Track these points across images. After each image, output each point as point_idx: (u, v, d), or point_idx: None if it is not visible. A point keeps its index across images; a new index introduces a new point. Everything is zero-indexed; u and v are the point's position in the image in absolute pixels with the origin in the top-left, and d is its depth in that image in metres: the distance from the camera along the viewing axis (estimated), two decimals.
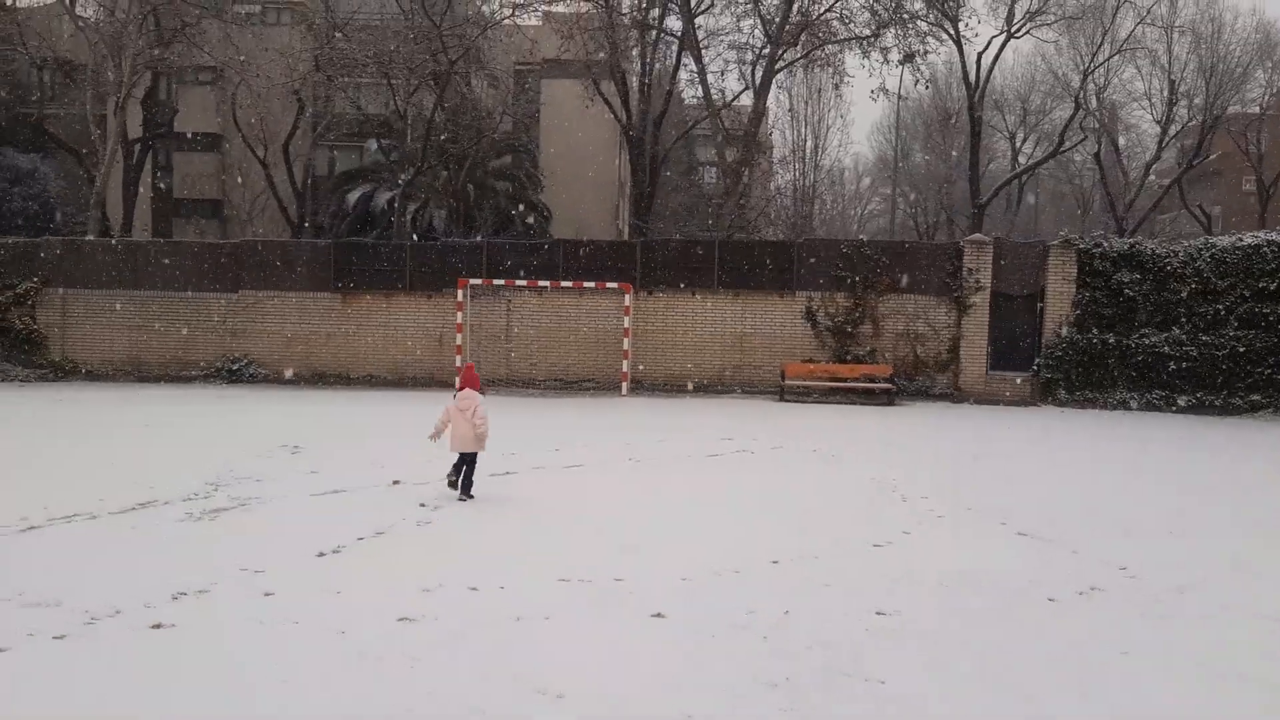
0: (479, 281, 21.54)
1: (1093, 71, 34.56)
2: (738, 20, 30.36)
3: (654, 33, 28.93)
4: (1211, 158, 40.05)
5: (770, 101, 31.62)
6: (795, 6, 26.32)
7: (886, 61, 26.84)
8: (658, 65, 31.19)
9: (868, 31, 26.64)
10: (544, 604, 6.06)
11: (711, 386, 21.55)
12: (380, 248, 22.95)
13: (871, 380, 20.46)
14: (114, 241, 24.10)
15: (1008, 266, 20.76)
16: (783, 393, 20.51)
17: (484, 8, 27.84)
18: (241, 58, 27.97)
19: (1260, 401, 19.18)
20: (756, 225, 34.11)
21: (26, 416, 16.01)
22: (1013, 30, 32.96)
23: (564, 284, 21.53)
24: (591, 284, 21.46)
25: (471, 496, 9.29)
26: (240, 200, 35.58)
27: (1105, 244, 20.36)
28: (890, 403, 19.91)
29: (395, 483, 10.03)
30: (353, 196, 32.08)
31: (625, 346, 21.14)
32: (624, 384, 21.04)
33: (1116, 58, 34.69)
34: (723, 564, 7.06)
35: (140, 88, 29.05)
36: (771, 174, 41.49)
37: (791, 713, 4.57)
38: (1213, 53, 34.72)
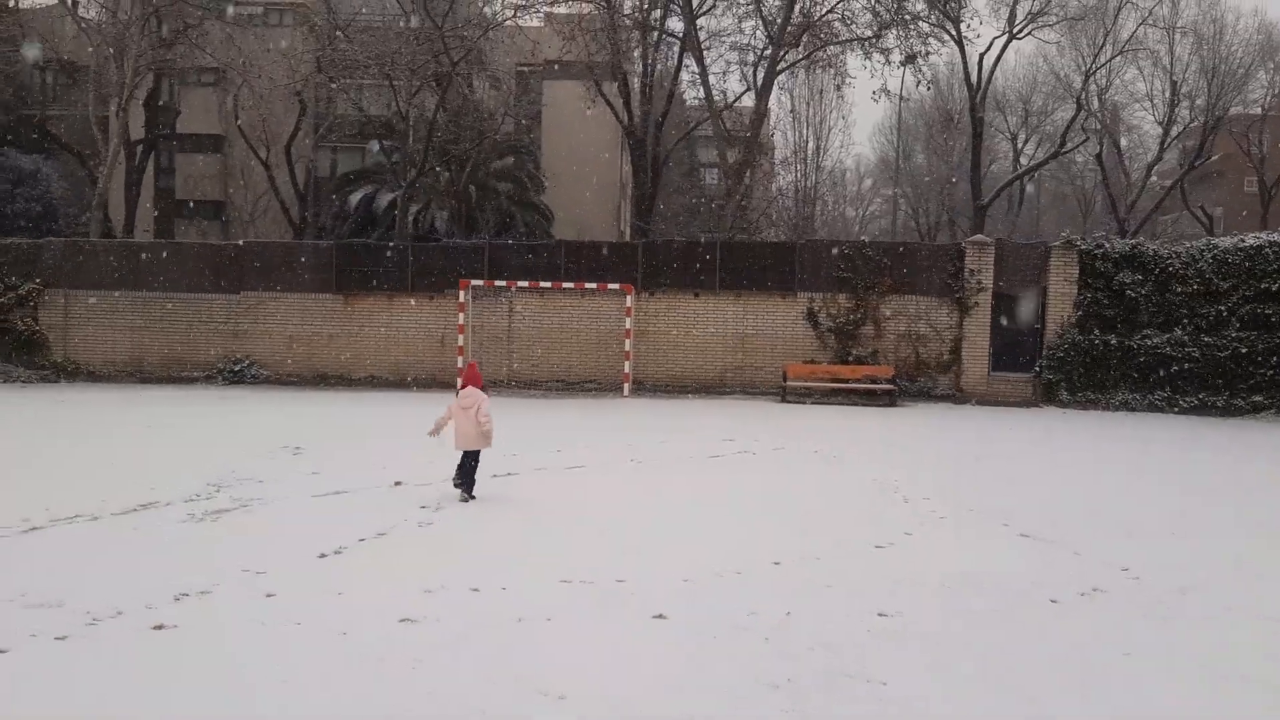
0: (481, 282, 21.55)
1: (1094, 72, 34.56)
2: (739, 21, 30.42)
3: (656, 34, 28.93)
4: (1213, 159, 40.03)
5: (772, 103, 31.70)
6: (797, 8, 26.30)
7: (888, 63, 26.82)
8: (659, 66, 31.22)
9: (869, 33, 26.62)
10: (546, 605, 6.06)
11: (713, 387, 21.55)
12: (382, 249, 22.95)
13: (873, 381, 20.45)
14: (116, 243, 24.12)
15: (1009, 267, 20.75)
16: (784, 394, 20.50)
17: (486, 9, 27.87)
18: (243, 59, 28.00)
19: (1262, 402, 19.15)
20: (758, 226, 34.13)
21: (28, 417, 16.03)
22: (1014, 31, 32.96)
23: (566, 285, 21.52)
24: (593, 285, 21.46)
25: (473, 496, 9.30)
26: (242, 201, 35.61)
27: (1107, 245, 20.34)
28: (892, 404, 19.90)
29: (397, 484, 10.04)
30: (355, 198, 32.11)
31: (627, 347, 21.15)
32: (626, 385, 21.04)
33: (1118, 59, 34.72)
34: (724, 565, 7.06)
35: (142, 89, 29.08)
36: (773, 175, 41.51)
37: (793, 714, 4.56)
38: (1214, 54, 34.71)
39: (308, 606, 5.93)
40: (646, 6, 27.93)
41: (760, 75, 28.09)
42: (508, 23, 26.89)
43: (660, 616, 5.89)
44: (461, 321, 21.24)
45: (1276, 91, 37.26)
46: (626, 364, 21.12)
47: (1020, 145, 42.78)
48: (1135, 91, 37.97)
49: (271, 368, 22.47)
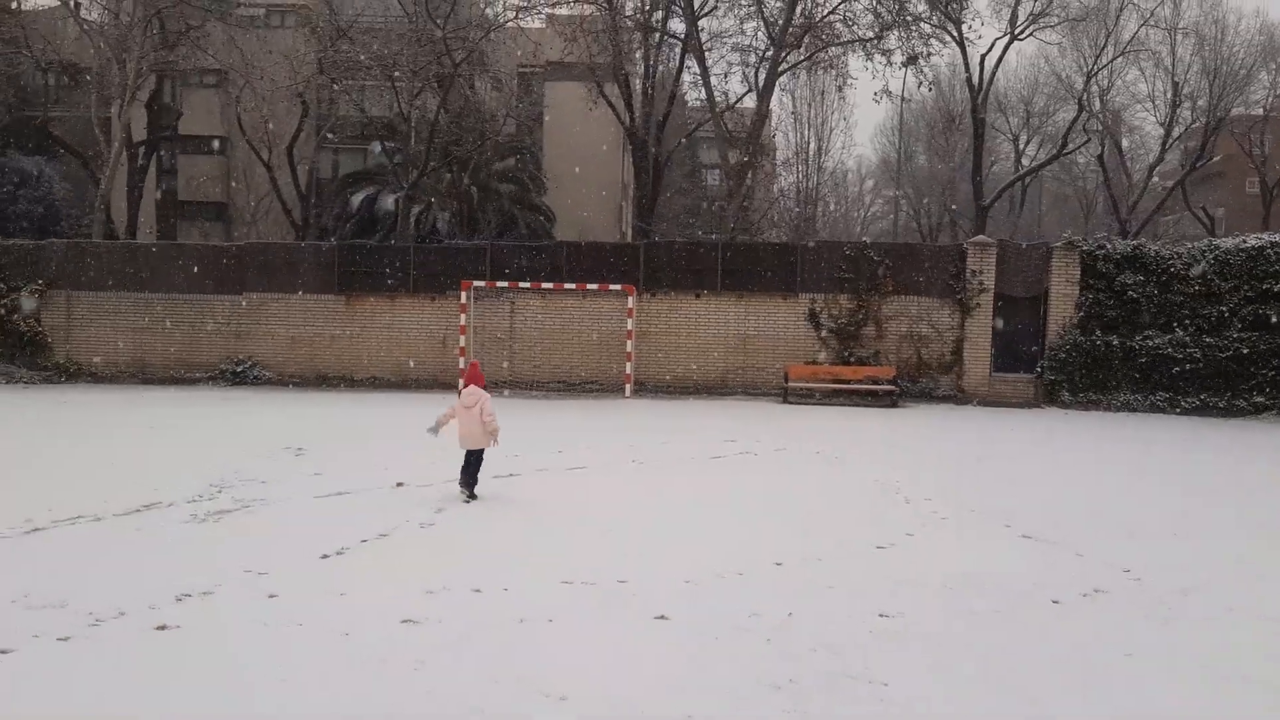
0: (482, 283, 21.56)
1: (1096, 73, 34.53)
2: (741, 23, 30.41)
3: (657, 35, 28.93)
4: (1215, 160, 39.98)
5: (773, 104, 31.70)
6: (798, 9, 26.30)
7: (890, 64, 26.81)
8: (661, 68, 31.21)
9: (871, 34, 26.62)
10: (547, 606, 6.06)
11: (714, 388, 21.55)
12: (384, 250, 22.99)
13: (875, 382, 20.45)
14: (118, 244, 24.14)
15: (1011, 268, 20.75)
16: (786, 394, 20.50)
17: (487, 10, 27.89)
18: (245, 60, 28.03)
19: (1264, 403, 19.15)
20: (759, 227, 34.16)
21: (31, 418, 16.04)
22: (1016, 32, 32.95)
23: (567, 286, 21.53)
24: (595, 286, 21.47)
25: (476, 496, 9.31)
26: (244, 203, 35.65)
27: (1109, 246, 20.34)
28: (894, 405, 19.90)
29: (399, 485, 10.04)
30: (356, 199, 32.13)
31: (628, 348, 21.15)
32: (627, 386, 21.05)
33: (1120, 60, 34.68)
34: (726, 566, 7.07)
35: (145, 90, 29.10)
36: (774, 176, 41.54)
37: (795, 714, 4.57)
38: (1216, 54, 34.68)
39: (310, 607, 5.94)
40: (648, 8, 27.94)
41: (762, 76, 28.08)
42: (509, 24, 26.91)
43: (662, 617, 5.90)
44: (463, 322, 21.26)
45: (1278, 92, 37.24)
46: (628, 365, 21.12)
47: (1022, 146, 42.76)
48: (1137, 92, 38.05)
49: (274, 368, 22.49)
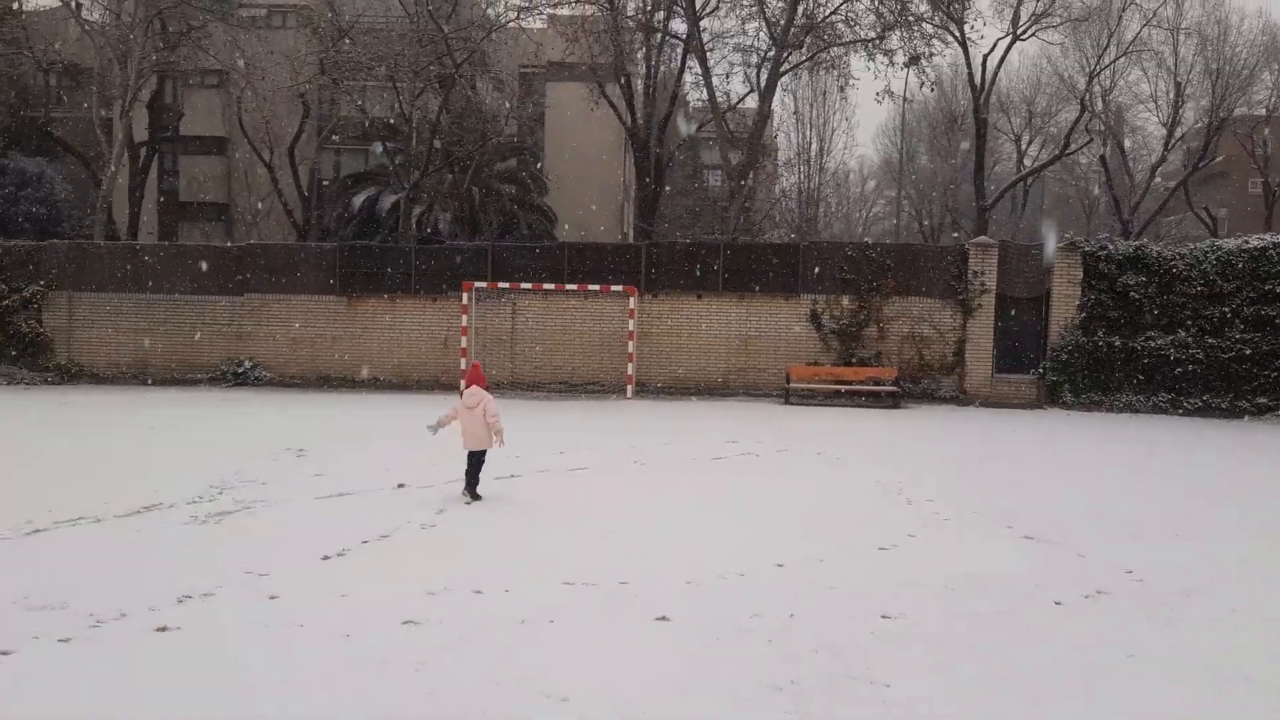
0: (484, 284, 21.56)
1: (1098, 74, 34.49)
2: (743, 23, 30.36)
3: (659, 36, 28.93)
4: (1217, 160, 39.92)
5: (775, 104, 31.55)
6: (800, 9, 26.27)
7: (892, 64, 26.78)
8: (663, 68, 31.21)
9: (873, 34, 26.58)
10: (549, 607, 6.06)
11: (716, 389, 21.54)
12: (385, 251, 22.99)
13: (877, 383, 20.43)
14: (120, 245, 24.15)
15: (1013, 269, 20.73)
16: (788, 395, 20.49)
17: (489, 11, 27.88)
18: (246, 61, 28.04)
19: (1267, 404, 19.11)
20: (761, 228, 34.14)
21: (32, 419, 16.05)
22: (1018, 32, 32.91)
23: (569, 287, 21.53)
24: (596, 287, 21.46)
25: (478, 497, 9.31)
26: (245, 204, 35.64)
27: (1111, 246, 20.31)
28: (895, 406, 19.88)
29: (400, 486, 10.04)
30: (358, 200, 32.13)
31: (630, 349, 21.15)
32: (629, 387, 21.04)
33: (1122, 60, 34.63)
34: (727, 567, 7.06)
35: (146, 91, 29.13)
36: (776, 177, 41.52)
37: (796, 715, 4.56)
38: (1219, 55, 34.63)
39: (311, 608, 5.94)
40: (650, 8, 27.94)
41: (763, 77, 28.06)
42: (511, 25, 26.89)
43: (663, 618, 5.89)
44: (465, 323, 21.26)
45: None
46: (629, 366, 21.12)
47: (1024, 147, 42.72)
48: (1139, 93, 37.94)
49: (275, 370, 22.50)
